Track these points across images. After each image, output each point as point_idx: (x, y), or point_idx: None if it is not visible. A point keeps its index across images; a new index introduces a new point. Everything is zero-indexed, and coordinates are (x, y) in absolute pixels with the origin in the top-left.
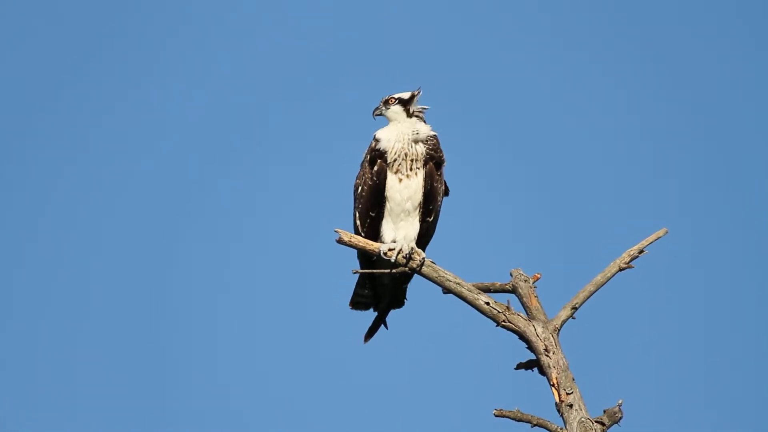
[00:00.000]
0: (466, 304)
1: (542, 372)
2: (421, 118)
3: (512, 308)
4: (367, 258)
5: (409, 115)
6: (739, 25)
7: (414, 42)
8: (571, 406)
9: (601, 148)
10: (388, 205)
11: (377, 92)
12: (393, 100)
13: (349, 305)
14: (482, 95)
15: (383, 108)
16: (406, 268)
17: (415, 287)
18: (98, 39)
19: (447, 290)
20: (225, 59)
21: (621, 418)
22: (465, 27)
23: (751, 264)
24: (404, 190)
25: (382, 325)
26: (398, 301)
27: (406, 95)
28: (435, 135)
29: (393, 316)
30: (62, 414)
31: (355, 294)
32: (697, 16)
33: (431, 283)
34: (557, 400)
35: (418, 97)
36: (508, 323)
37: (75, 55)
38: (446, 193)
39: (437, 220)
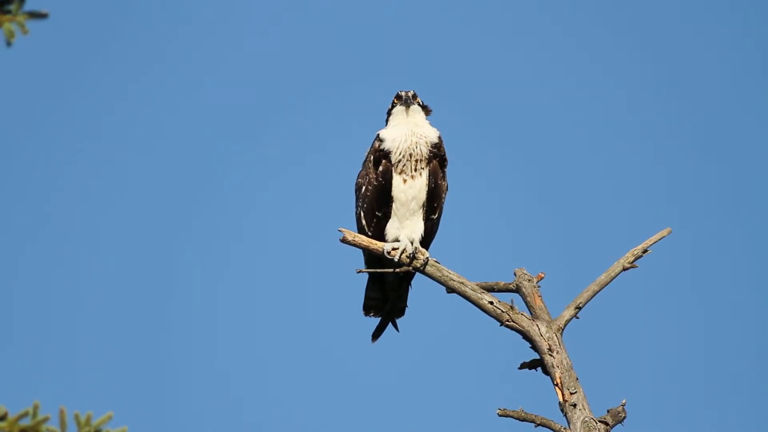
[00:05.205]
0: (469, 303)
1: (546, 371)
2: (428, 115)
3: (516, 308)
4: (373, 256)
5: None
6: (739, 25)
7: (414, 42)
8: (574, 405)
9: (604, 148)
10: (393, 205)
11: (377, 92)
12: (417, 98)
13: (363, 311)
14: (483, 95)
15: (412, 100)
16: (410, 268)
17: (419, 286)
18: (99, 38)
19: (450, 290)
20: (225, 59)
21: (624, 417)
22: (465, 27)
23: (755, 263)
24: (409, 190)
25: (390, 325)
26: (399, 309)
27: (421, 101)
28: (439, 136)
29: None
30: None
31: (367, 298)
32: (697, 16)
33: (435, 282)
34: (561, 400)
35: (430, 112)
36: (512, 323)
37: (75, 55)
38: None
39: (441, 217)
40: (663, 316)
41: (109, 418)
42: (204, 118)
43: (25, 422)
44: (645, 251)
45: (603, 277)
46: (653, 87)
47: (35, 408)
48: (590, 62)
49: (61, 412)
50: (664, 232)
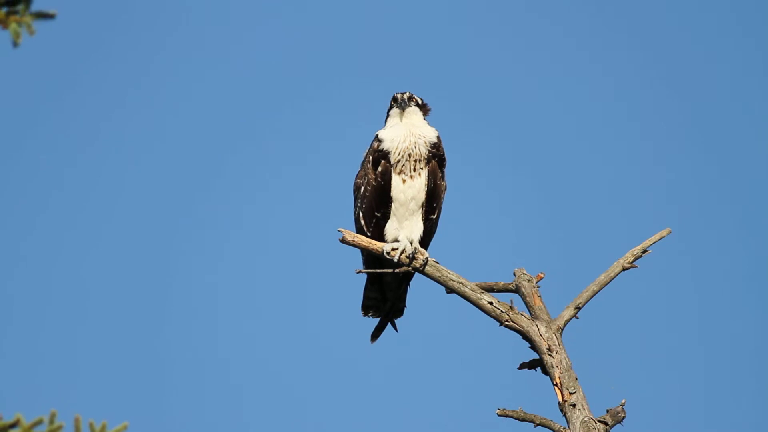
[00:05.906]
0: (469, 303)
1: (545, 372)
2: (427, 116)
3: (515, 308)
4: (373, 257)
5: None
6: (739, 25)
7: (414, 42)
8: (574, 405)
9: (604, 148)
10: (392, 205)
11: (376, 92)
12: (415, 99)
13: (362, 311)
14: (483, 95)
15: (408, 102)
16: (410, 268)
17: (418, 287)
18: (98, 37)
19: (450, 290)
20: (224, 58)
21: (624, 417)
22: (465, 27)
23: (754, 263)
24: (408, 190)
25: (389, 325)
26: (398, 309)
27: (419, 99)
28: (438, 135)
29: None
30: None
31: (365, 297)
32: (697, 16)
33: (434, 282)
34: (560, 400)
35: (429, 110)
36: (512, 323)
37: (74, 55)
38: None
39: (440, 217)
40: (663, 316)
41: (125, 428)
42: (203, 118)
43: (40, 430)
44: (645, 251)
45: (602, 277)
46: (653, 87)
47: (52, 416)
48: (590, 62)
49: (76, 420)
50: (663, 232)
